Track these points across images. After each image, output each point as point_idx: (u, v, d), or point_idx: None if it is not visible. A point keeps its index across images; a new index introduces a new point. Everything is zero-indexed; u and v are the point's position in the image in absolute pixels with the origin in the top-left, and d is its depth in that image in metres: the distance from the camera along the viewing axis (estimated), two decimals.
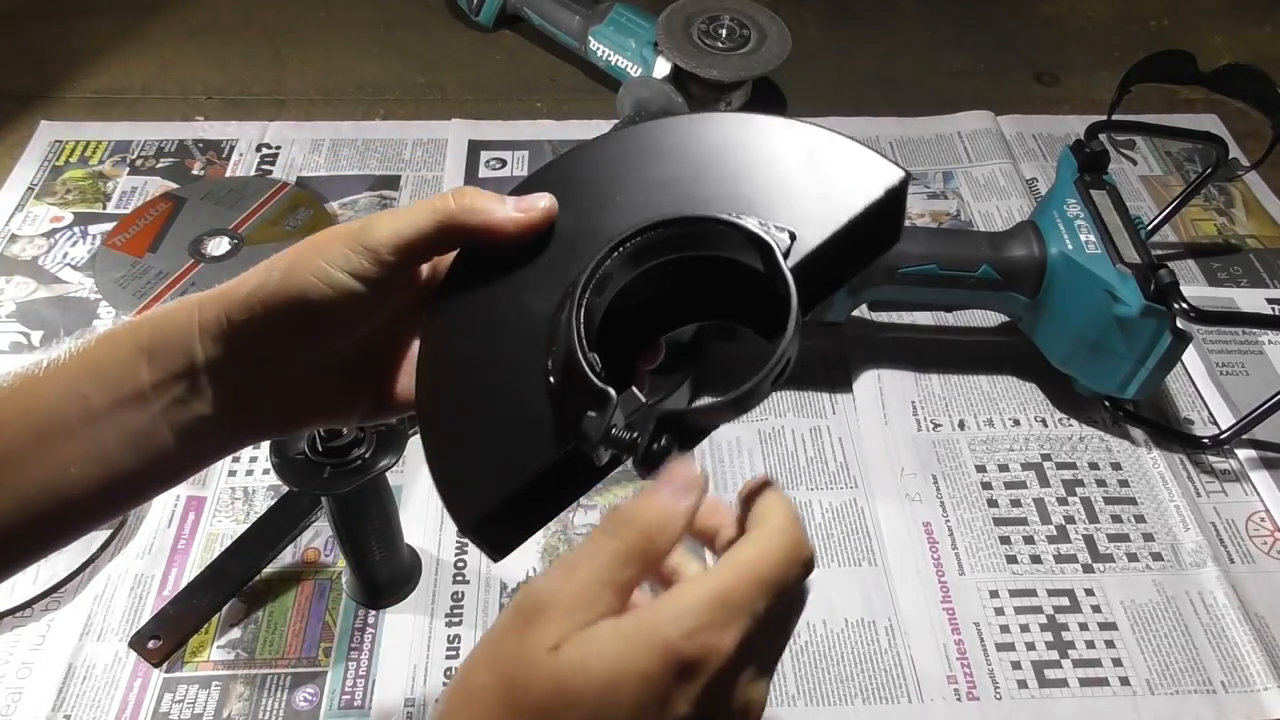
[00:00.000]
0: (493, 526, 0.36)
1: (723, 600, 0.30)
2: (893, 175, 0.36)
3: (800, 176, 0.36)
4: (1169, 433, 0.72)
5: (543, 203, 0.37)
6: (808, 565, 0.33)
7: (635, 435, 0.32)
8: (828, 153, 0.37)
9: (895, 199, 0.36)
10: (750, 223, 0.35)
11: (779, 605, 0.32)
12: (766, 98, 0.99)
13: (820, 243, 0.35)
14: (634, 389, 0.33)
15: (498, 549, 0.37)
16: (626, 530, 0.31)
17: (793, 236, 0.35)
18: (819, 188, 0.36)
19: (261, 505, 0.65)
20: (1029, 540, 0.66)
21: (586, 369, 0.33)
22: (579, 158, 0.39)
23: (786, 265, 0.34)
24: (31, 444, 0.35)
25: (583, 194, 0.38)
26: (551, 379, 0.35)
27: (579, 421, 0.33)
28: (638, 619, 0.30)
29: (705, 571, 0.32)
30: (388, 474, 0.54)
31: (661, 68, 0.92)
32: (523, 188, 0.38)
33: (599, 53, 0.98)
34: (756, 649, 0.31)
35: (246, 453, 0.69)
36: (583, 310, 0.34)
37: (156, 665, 0.58)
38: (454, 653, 0.59)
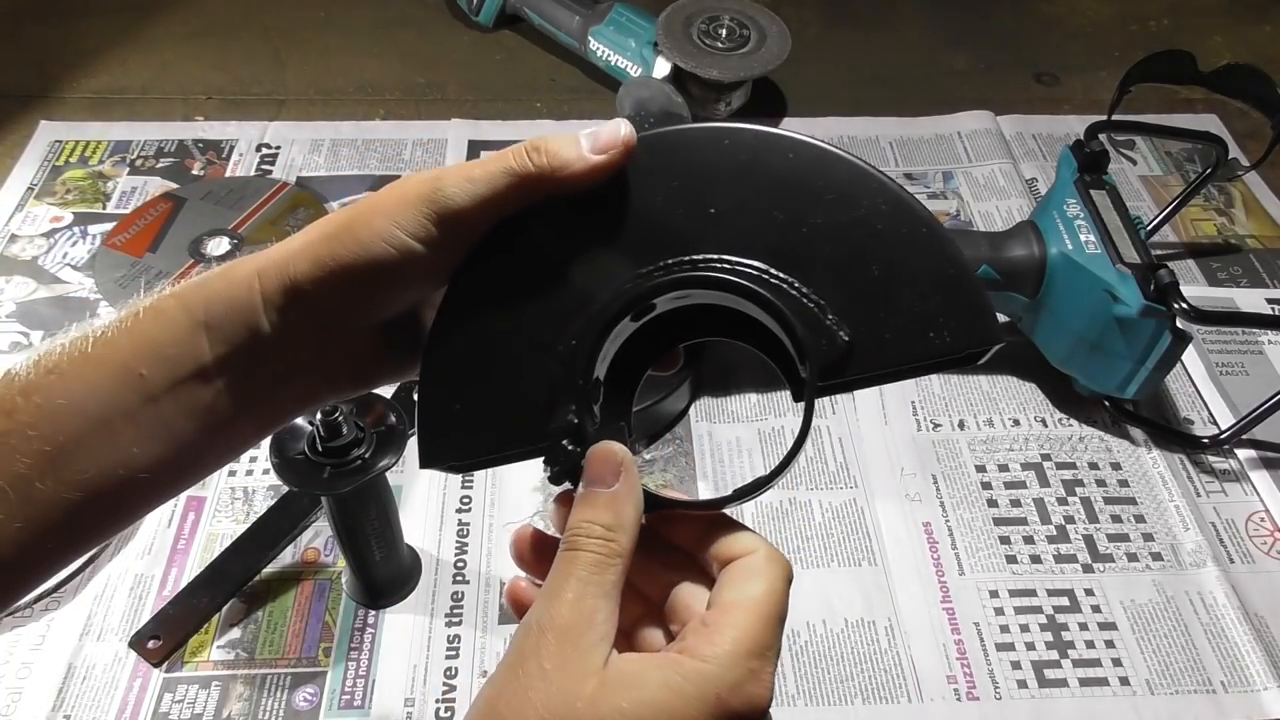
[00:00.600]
0: (456, 468, 0.37)
1: (758, 648, 0.31)
2: (989, 340, 0.34)
3: (901, 278, 0.34)
4: (1169, 433, 0.72)
5: (622, 132, 0.34)
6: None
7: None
8: (941, 274, 0.34)
9: (975, 357, 0.34)
10: (808, 320, 0.33)
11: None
12: (766, 98, 0.99)
13: (870, 372, 0.34)
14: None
15: (454, 470, 0.37)
16: (583, 539, 0.32)
17: (850, 349, 0.33)
18: (913, 305, 0.34)
19: (261, 505, 0.65)
20: (1029, 540, 0.66)
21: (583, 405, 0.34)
22: (699, 139, 0.35)
23: (817, 381, 0.33)
24: (91, 430, 0.33)
25: (678, 179, 0.35)
26: (557, 372, 0.35)
27: (558, 436, 0.34)
28: (683, 669, 0.30)
29: (727, 613, 0.32)
30: (388, 474, 0.54)
31: (661, 68, 0.92)
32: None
33: (599, 53, 0.98)
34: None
35: (246, 453, 0.69)
36: (608, 340, 0.34)
37: (156, 665, 0.58)
38: (454, 653, 0.59)
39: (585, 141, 0.34)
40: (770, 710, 0.32)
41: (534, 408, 0.35)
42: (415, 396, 0.36)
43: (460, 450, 0.36)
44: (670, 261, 0.34)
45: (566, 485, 0.35)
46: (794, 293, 0.34)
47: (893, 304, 0.33)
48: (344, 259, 0.33)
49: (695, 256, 0.34)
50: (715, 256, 0.34)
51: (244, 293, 0.34)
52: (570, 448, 0.34)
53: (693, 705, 0.30)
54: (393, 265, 0.33)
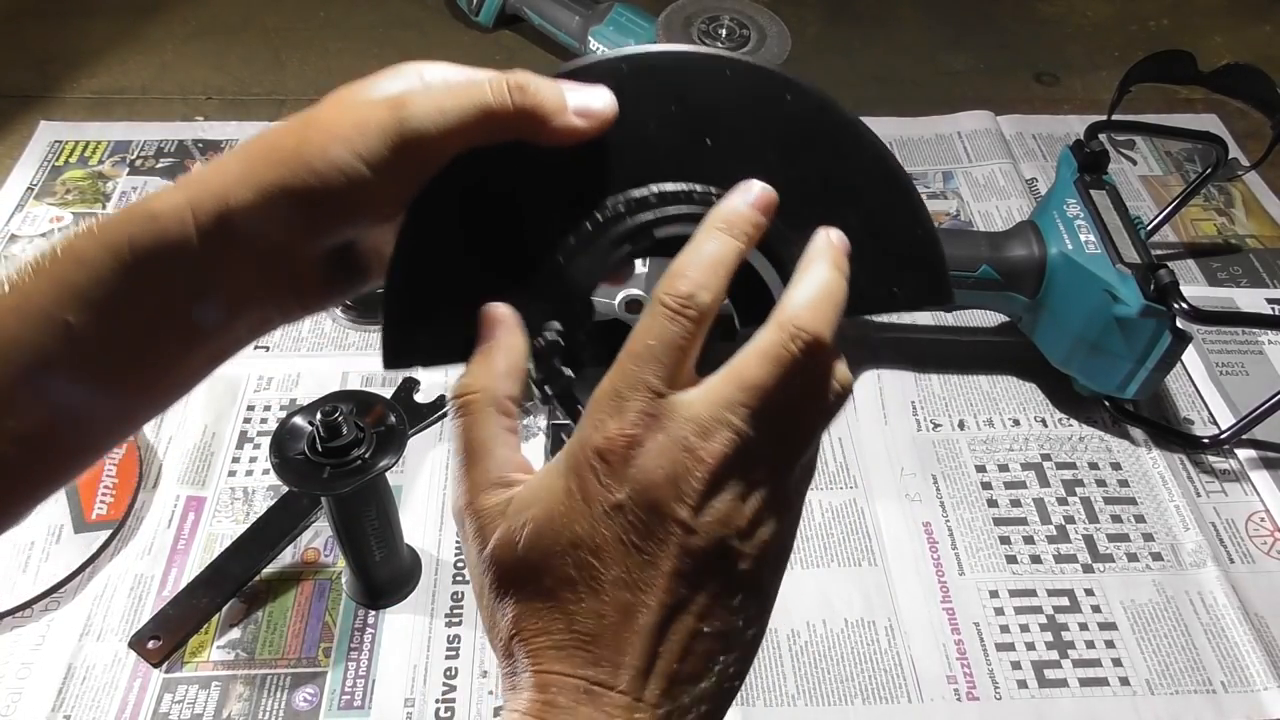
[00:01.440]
0: (424, 363, 0.36)
1: (613, 387, 0.30)
2: (944, 301, 0.37)
3: (877, 233, 0.35)
4: (1169, 433, 0.72)
5: (602, 103, 0.33)
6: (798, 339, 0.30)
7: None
8: (912, 235, 0.36)
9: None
10: (789, 259, 0.34)
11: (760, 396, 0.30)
12: None
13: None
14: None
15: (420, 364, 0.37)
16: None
17: None
18: (883, 259, 0.35)
19: (261, 505, 0.65)
20: (1029, 540, 0.66)
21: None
22: (701, 65, 0.35)
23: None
24: (18, 382, 0.31)
25: (675, 105, 0.34)
26: (546, 289, 0.34)
27: (548, 353, 0.34)
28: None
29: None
30: (388, 474, 0.54)
31: None
32: (600, 66, 0.34)
33: (599, 52, 0.98)
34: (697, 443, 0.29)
35: (246, 453, 0.69)
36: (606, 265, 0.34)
37: (156, 665, 0.58)
38: (453, 653, 0.59)
39: (571, 99, 0.32)
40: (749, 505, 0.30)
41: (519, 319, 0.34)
42: (383, 291, 0.35)
43: (431, 349, 0.35)
44: (669, 189, 0.34)
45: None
46: (776, 230, 0.34)
47: (865, 255, 0.34)
48: (294, 188, 0.31)
49: (695, 188, 0.34)
50: (715, 190, 0.34)
51: (176, 228, 0.31)
52: (563, 369, 0.33)
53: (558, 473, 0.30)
54: (348, 195, 0.31)
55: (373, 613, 0.61)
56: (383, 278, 0.37)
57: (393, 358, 0.35)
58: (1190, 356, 0.76)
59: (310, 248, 0.33)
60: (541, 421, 0.70)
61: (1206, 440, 0.70)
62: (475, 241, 0.34)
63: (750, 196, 0.33)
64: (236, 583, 0.61)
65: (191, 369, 0.35)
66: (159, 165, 0.90)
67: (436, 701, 0.57)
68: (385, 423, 0.54)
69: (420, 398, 0.72)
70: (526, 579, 0.30)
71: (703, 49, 0.35)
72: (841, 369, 0.32)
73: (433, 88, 0.32)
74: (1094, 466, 0.70)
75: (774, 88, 0.35)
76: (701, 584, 0.30)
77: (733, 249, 0.31)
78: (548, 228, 0.34)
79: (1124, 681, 0.59)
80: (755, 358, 0.30)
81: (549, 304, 0.34)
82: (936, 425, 0.72)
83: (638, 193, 0.34)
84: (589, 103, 0.33)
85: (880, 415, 0.73)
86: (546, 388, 0.34)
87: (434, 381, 0.73)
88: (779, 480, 0.31)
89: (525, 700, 0.29)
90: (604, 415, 0.30)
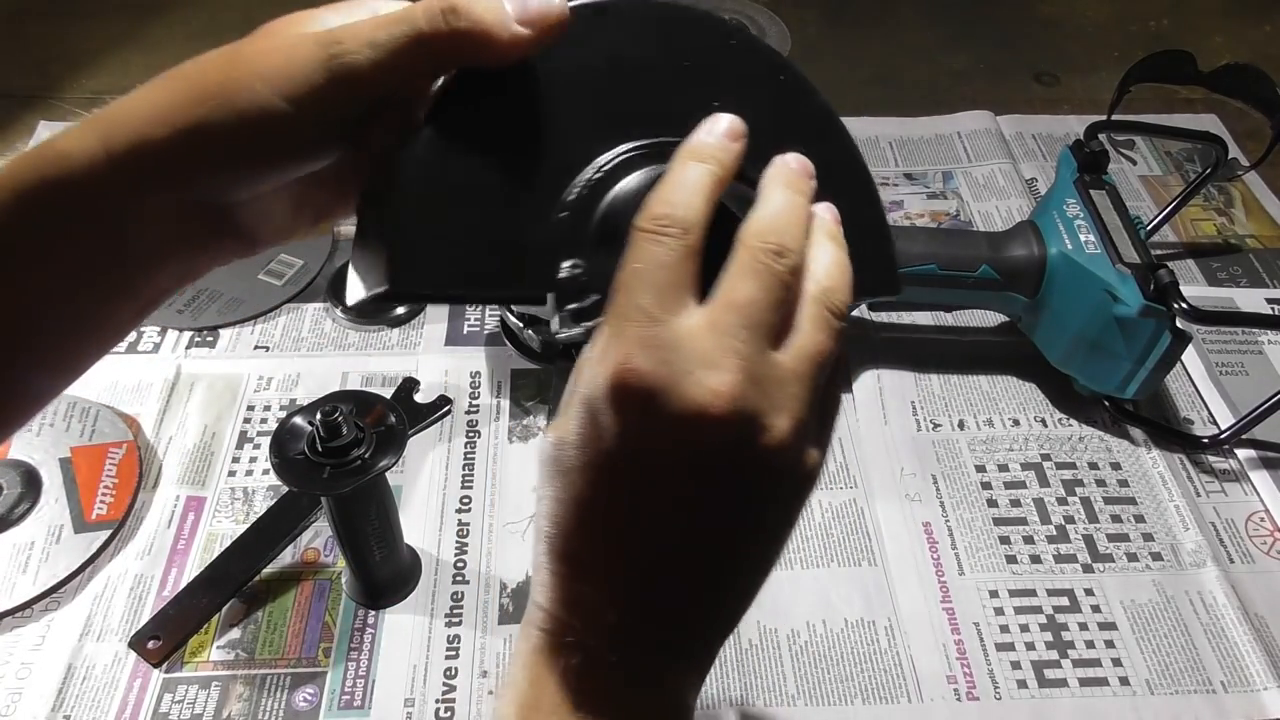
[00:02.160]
0: (431, 297, 0.36)
1: (612, 314, 0.30)
2: (893, 291, 0.38)
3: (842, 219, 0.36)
4: (1169, 433, 0.72)
5: (555, 5, 0.30)
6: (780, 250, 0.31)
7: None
8: (870, 225, 0.37)
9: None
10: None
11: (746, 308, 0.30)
12: None
13: None
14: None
15: (427, 299, 0.36)
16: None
17: None
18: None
19: (261, 505, 0.65)
20: (1029, 540, 0.66)
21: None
22: (696, 20, 0.36)
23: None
24: None
25: (662, 56, 0.35)
26: (558, 227, 0.33)
27: (567, 287, 0.33)
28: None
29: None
30: (388, 474, 0.54)
31: None
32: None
33: None
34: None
35: (246, 453, 0.69)
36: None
37: (156, 665, 0.58)
38: (453, 653, 0.59)
39: (511, 7, 0.30)
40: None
41: (531, 254, 0.33)
42: (366, 211, 0.32)
43: (440, 277, 0.32)
44: (665, 140, 0.34)
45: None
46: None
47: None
48: (216, 128, 0.29)
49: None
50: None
51: (86, 172, 0.29)
52: (589, 301, 0.32)
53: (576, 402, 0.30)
54: (274, 136, 0.29)
55: (373, 613, 0.61)
56: (318, 223, 0.36)
57: (405, 276, 0.31)
58: (1190, 356, 0.76)
59: (236, 191, 0.31)
60: (542, 420, 0.70)
61: (1206, 440, 0.70)
62: (494, 162, 0.32)
63: (719, 126, 0.33)
64: (236, 583, 0.61)
65: (114, 323, 0.33)
66: None
67: (436, 701, 0.57)
68: (385, 423, 0.54)
69: (420, 398, 0.72)
70: None
71: (698, 8, 0.36)
72: (835, 295, 0.32)
73: (364, 22, 0.30)
74: (1094, 466, 0.70)
75: (764, 62, 0.37)
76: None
77: (705, 172, 0.31)
78: (566, 157, 0.33)
79: (1124, 681, 0.59)
80: (737, 277, 0.30)
81: (569, 238, 0.33)
82: (936, 425, 0.72)
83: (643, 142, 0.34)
84: (530, 4, 0.30)
85: (880, 415, 0.73)
86: (567, 329, 0.33)
87: (434, 382, 0.73)
88: (800, 398, 0.30)
89: None
90: (605, 346, 0.29)
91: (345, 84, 0.29)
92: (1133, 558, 0.65)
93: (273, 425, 0.69)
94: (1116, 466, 0.70)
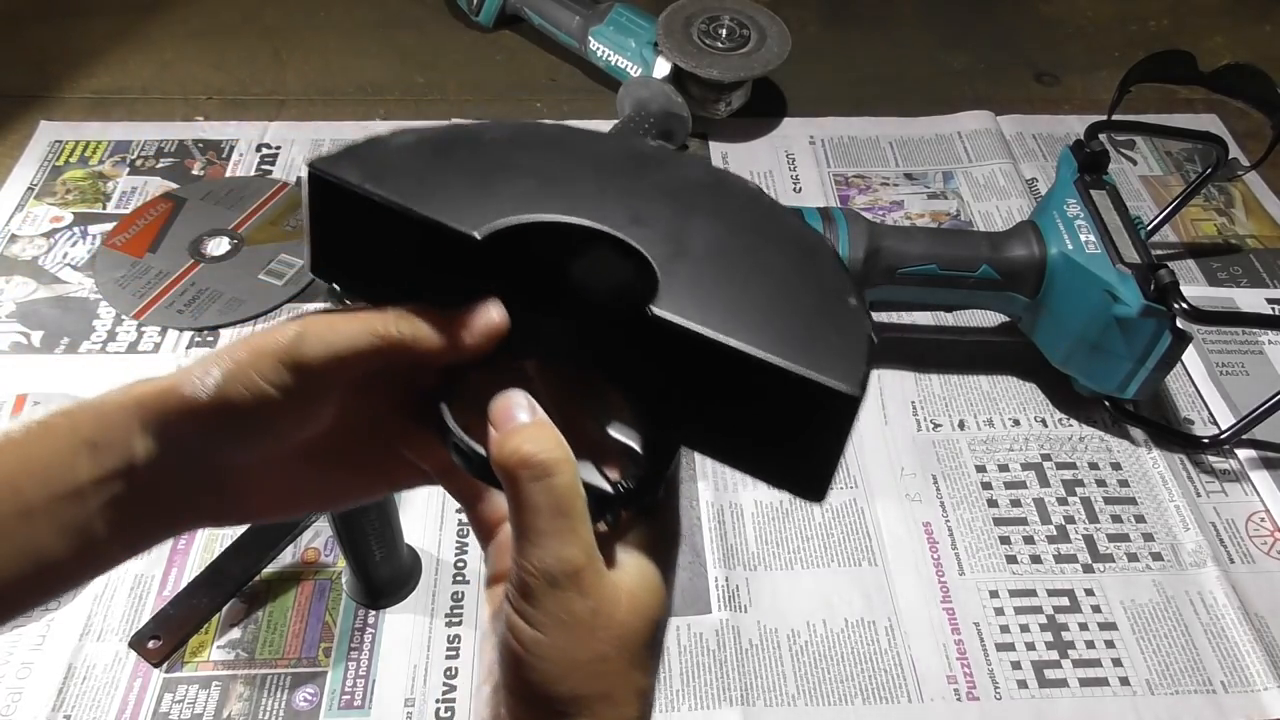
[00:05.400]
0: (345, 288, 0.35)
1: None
2: (844, 387, 0.28)
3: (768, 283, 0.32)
4: (1169, 433, 0.72)
5: (494, 320, 0.33)
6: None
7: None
8: (827, 299, 0.31)
9: (825, 409, 0.29)
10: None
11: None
12: (766, 98, 0.99)
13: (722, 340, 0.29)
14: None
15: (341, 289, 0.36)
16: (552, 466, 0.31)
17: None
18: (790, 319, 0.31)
19: None
20: (1029, 540, 0.66)
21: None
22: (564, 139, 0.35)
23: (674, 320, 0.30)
24: None
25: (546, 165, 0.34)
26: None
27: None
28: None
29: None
30: None
31: (661, 68, 0.92)
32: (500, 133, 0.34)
33: (599, 53, 0.98)
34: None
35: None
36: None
37: (156, 665, 0.58)
38: (454, 653, 0.59)
39: (458, 326, 0.33)
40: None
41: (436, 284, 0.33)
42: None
43: (359, 277, 0.34)
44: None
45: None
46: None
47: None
48: (209, 403, 0.32)
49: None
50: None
51: (123, 419, 0.34)
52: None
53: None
54: (253, 412, 0.32)
55: (373, 613, 0.61)
56: (328, 498, 0.40)
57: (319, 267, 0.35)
58: (1190, 356, 0.76)
59: (229, 457, 0.35)
60: None
61: (1206, 440, 0.70)
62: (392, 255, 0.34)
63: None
64: (236, 583, 0.61)
65: (109, 556, 0.35)
66: (159, 165, 0.90)
67: (436, 701, 0.57)
68: None
69: None
70: None
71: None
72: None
73: (330, 317, 0.33)
74: (1094, 466, 0.70)
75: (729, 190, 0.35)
76: None
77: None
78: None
79: (1124, 681, 0.59)
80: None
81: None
82: (936, 425, 0.72)
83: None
84: (475, 324, 0.33)
85: (880, 415, 0.73)
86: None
87: None
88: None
89: None
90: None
91: (303, 370, 0.32)
92: (1133, 558, 0.65)
93: None
94: (1117, 466, 0.70)
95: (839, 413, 0.29)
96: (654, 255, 0.31)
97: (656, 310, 0.30)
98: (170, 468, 0.34)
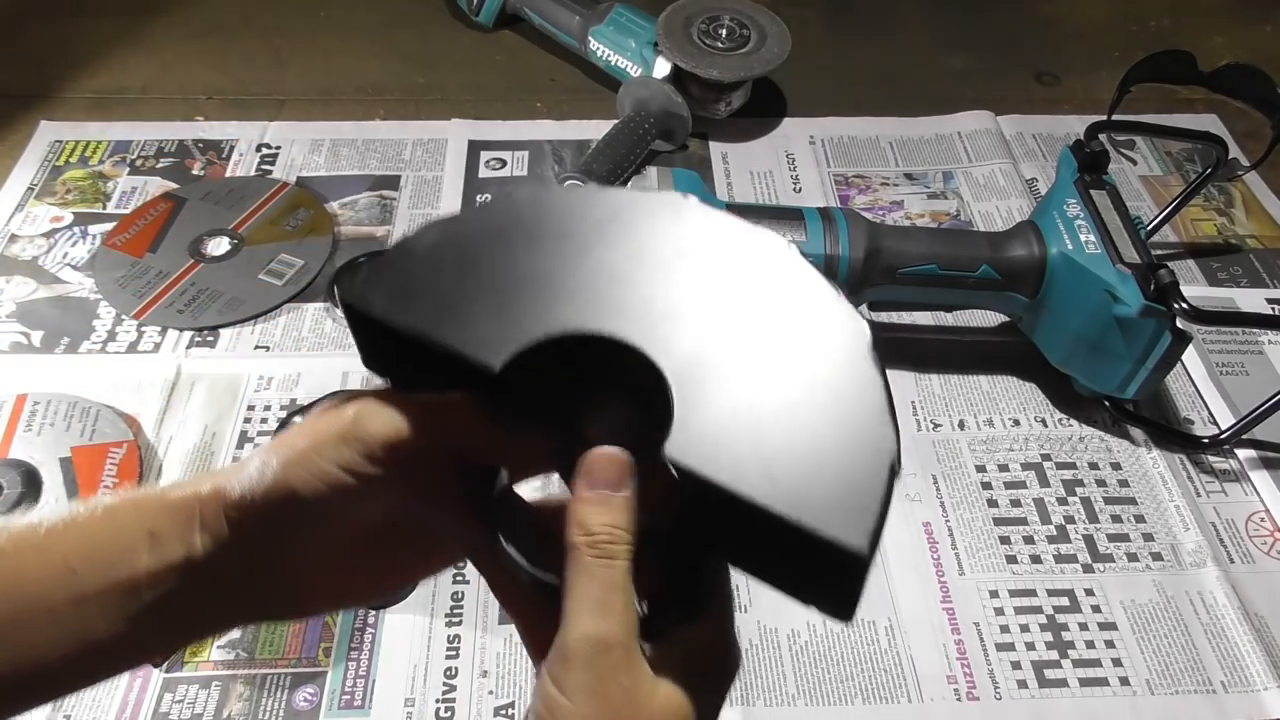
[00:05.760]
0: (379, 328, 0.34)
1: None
2: (851, 545, 0.28)
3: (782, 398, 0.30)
4: (1169, 433, 0.72)
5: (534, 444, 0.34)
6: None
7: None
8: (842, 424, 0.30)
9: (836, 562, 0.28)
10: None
11: None
12: (766, 98, 0.99)
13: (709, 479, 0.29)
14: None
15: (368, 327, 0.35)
16: (613, 545, 0.31)
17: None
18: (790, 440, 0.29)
19: None
20: (1029, 540, 0.66)
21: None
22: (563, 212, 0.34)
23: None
24: (9, 622, 0.32)
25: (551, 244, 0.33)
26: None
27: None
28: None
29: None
30: None
31: (661, 68, 0.92)
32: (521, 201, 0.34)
33: (599, 53, 0.98)
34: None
35: (247, 453, 0.69)
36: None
37: (157, 665, 0.58)
38: (454, 653, 0.59)
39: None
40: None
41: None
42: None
43: (407, 374, 0.34)
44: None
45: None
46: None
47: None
48: (271, 490, 0.32)
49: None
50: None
51: (185, 512, 0.33)
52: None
53: None
54: (318, 497, 0.32)
55: (373, 613, 0.61)
56: (374, 589, 0.39)
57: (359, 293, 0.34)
58: (1190, 356, 0.76)
59: (302, 546, 0.34)
60: None
61: (1206, 440, 0.70)
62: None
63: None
64: None
65: (152, 647, 0.35)
66: (159, 165, 0.90)
67: (436, 701, 0.57)
68: None
69: None
70: None
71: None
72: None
73: (392, 402, 0.33)
74: (1094, 466, 0.70)
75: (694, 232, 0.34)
76: None
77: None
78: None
79: (1124, 681, 0.59)
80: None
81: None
82: (936, 425, 0.72)
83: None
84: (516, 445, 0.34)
85: None
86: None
87: None
88: None
89: None
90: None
91: (365, 446, 0.32)
92: (1133, 558, 0.65)
93: (273, 425, 0.69)
94: (1117, 466, 0.70)
95: (849, 565, 0.28)
96: (672, 370, 0.30)
97: (670, 453, 0.29)
98: (229, 564, 0.33)
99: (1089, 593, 0.63)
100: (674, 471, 0.29)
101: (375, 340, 0.34)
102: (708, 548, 0.32)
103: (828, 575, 0.29)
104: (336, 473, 0.32)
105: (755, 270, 0.33)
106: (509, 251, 0.33)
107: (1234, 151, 0.91)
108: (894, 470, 0.29)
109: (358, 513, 0.34)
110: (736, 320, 0.31)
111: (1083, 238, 0.68)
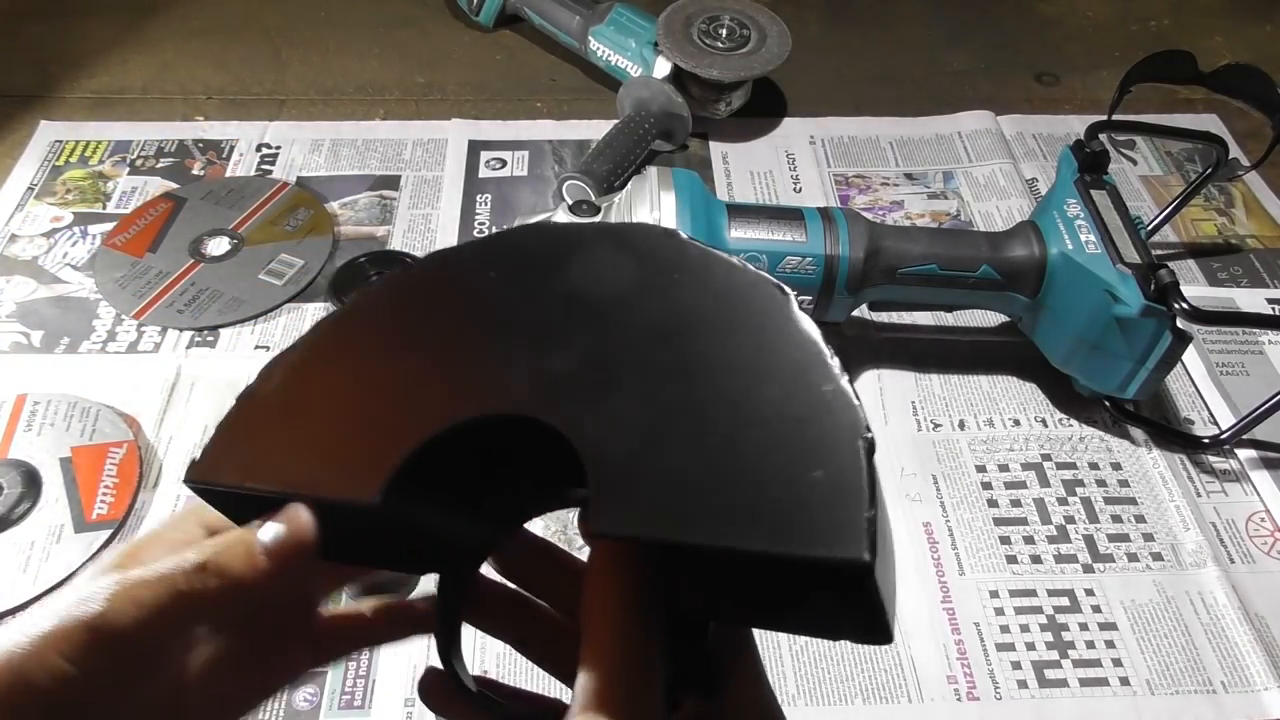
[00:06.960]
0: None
1: None
2: (851, 553, 0.23)
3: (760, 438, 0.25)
4: (1169, 433, 0.72)
5: (302, 526, 0.29)
6: None
7: None
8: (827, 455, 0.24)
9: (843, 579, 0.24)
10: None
11: None
12: (766, 98, 0.99)
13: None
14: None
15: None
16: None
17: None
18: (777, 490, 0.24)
19: None
20: (1029, 540, 0.66)
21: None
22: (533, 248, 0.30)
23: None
24: None
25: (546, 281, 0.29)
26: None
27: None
28: None
29: None
30: None
31: (661, 68, 0.92)
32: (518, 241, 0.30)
33: (599, 53, 0.98)
34: None
35: None
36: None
37: None
38: None
39: (260, 541, 0.30)
40: None
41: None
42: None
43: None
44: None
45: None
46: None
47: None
48: (12, 681, 0.28)
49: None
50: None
51: None
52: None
53: None
54: (51, 691, 0.28)
55: None
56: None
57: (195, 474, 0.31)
58: (1190, 356, 0.76)
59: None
60: None
61: (1207, 440, 0.70)
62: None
63: None
64: None
65: None
66: (159, 165, 0.90)
67: None
68: None
69: None
70: None
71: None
72: None
73: (131, 584, 0.29)
74: (1094, 466, 0.70)
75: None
76: None
77: None
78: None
79: (1124, 681, 0.59)
80: None
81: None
82: (937, 425, 0.72)
83: None
84: (281, 536, 0.30)
85: (880, 415, 0.73)
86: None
87: None
88: None
89: None
90: None
91: (108, 639, 0.28)
92: (1133, 558, 0.65)
93: None
94: (1117, 466, 0.70)
95: (855, 578, 0.24)
96: (588, 433, 0.26)
97: (596, 527, 0.25)
98: None
99: (1089, 593, 0.63)
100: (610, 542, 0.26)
101: (238, 506, 0.31)
102: (706, 616, 0.30)
103: (841, 598, 0.26)
104: (71, 670, 0.28)
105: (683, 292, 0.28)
106: (385, 350, 0.30)
107: (1234, 151, 0.91)
108: (869, 445, 0.24)
109: (138, 692, 0.30)
110: (655, 360, 0.27)
111: (1083, 238, 0.68)
